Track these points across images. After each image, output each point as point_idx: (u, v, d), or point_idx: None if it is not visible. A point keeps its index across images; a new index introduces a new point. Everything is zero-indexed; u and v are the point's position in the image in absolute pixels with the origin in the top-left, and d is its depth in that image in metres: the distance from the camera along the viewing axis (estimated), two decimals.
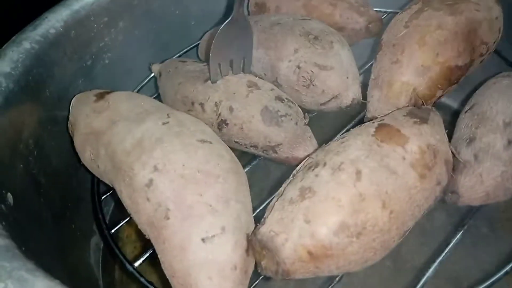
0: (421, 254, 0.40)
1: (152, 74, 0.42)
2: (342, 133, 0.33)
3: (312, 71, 0.35)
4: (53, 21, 0.38)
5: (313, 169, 0.26)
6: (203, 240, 0.24)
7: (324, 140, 0.32)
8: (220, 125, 0.33)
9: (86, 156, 0.32)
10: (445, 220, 0.40)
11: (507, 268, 0.26)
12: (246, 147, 0.34)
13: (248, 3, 0.46)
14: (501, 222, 0.42)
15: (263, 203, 0.31)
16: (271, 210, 0.25)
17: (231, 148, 0.31)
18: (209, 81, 0.34)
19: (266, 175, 0.47)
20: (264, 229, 0.25)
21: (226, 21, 0.33)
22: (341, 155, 0.26)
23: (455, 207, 0.29)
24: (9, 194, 0.28)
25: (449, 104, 0.48)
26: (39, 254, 0.30)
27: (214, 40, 0.33)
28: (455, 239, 0.27)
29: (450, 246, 0.27)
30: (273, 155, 0.33)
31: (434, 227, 0.41)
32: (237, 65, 0.35)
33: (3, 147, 0.31)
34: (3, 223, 0.24)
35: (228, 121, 0.32)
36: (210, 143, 0.28)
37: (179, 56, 0.44)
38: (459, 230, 0.28)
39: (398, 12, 0.37)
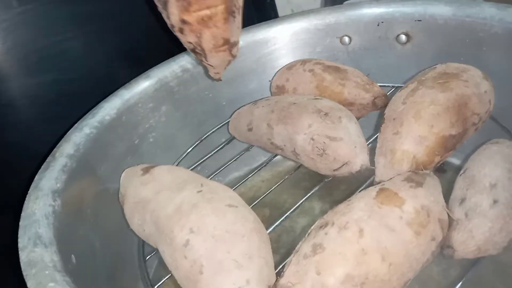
0: None
1: (189, 149, 0.49)
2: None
3: (324, 142, 0.40)
4: (108, 109, 0.46)
5: (323, 228, 0.30)
6: None
7: (339, 201, 0.36)
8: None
9: (134, 222, 0.37)
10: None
11: None
12: None
13: (270, 85, 0.53)
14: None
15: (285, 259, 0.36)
16: (289, 264, 0.30)
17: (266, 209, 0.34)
18: None
19: (292, 235, 0.52)
20: (283, 280, 0.29)
21: None
22: (346, 215, 0.30)
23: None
24: (73, 255, 0.34)
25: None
26: None
27: None
28: None
29: None
30: None
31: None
32: None
33: (68, 216, 0.37)
34: (72, 278, 0.30)
35: None
36: (236, 207, 0.33)
37: (213, 132, 0.51)
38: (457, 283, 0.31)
39: (402, 86, 0.43)
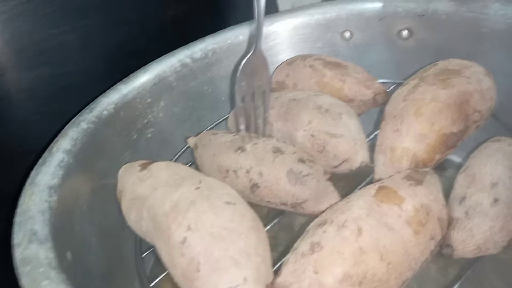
0: None
1: (187, 145, 0.48)
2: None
3: (324, 139, 0.40)
4: (105, 104, 0.46)
5: (321, 226, 0.30)
6: None
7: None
8: (253, 188, 0.38)
9: (132, 219, 0.37)
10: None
11: None
12: (276, 205, 0.38)
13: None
14: None
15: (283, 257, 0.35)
16: (286, 263, 0.30)
17: (264, 206, 0.36)
18: (239, 150, 0.39)
19: (290, 232, 0.51)
20: (280, 279, 0.29)
21: (248, 55, 0.39)
22: (345, 213, 0.30)
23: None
24: (69, 252, 0.34)
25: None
26: None
27: (240, 69, 0.40)
28: None
29: None
30: (301, 210, 0.38)
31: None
32: (259, 99, 0.42)
33: (63, 213, 0.36)
34: (67, 275, 0.29)
35: (259, 184, 0.38)
36: (234, 204, 0.33)
37: (211, 128, 0.51)
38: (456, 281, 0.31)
39: (403, 82, 0.42)
